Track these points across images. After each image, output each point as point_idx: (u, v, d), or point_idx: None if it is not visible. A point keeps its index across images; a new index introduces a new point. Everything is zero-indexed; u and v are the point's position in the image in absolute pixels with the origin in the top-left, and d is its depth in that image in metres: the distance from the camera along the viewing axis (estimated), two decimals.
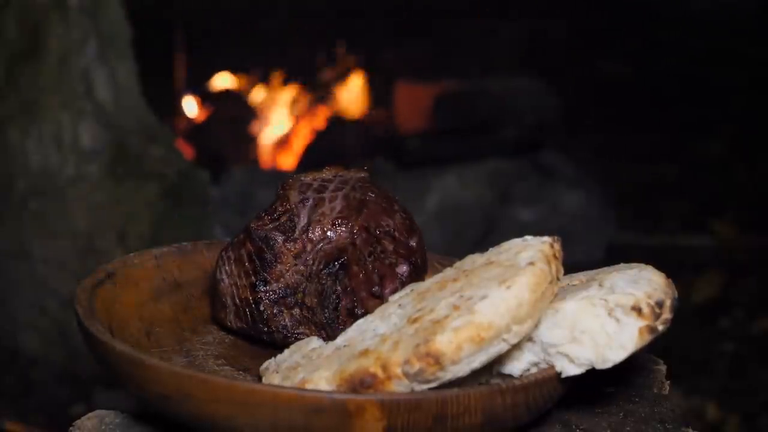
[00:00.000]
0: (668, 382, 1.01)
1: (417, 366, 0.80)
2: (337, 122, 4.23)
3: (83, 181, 2.80)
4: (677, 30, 5.46)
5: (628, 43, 5.43)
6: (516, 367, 0.87)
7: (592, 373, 1.01)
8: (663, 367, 1.03)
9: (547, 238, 0.89)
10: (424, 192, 3.70)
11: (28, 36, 2.83)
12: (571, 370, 0.85)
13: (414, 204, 3.67)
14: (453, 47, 4.88)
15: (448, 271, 0.95)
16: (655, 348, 1.23)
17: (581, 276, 0.93)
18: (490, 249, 0.93)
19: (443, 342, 0.81)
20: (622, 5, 5.43)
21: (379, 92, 4.38)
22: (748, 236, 4.04)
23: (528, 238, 0.91)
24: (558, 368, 0.86)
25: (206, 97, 4.21)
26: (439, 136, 4.08)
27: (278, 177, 3.30)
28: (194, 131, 4.08)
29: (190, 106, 4.17)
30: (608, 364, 0.85)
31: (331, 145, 4.05)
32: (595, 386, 0.99)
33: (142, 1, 3.43)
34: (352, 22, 4.68)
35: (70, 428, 0.92)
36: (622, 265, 0.92)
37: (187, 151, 3.61)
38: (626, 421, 0.92)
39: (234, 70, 4.26)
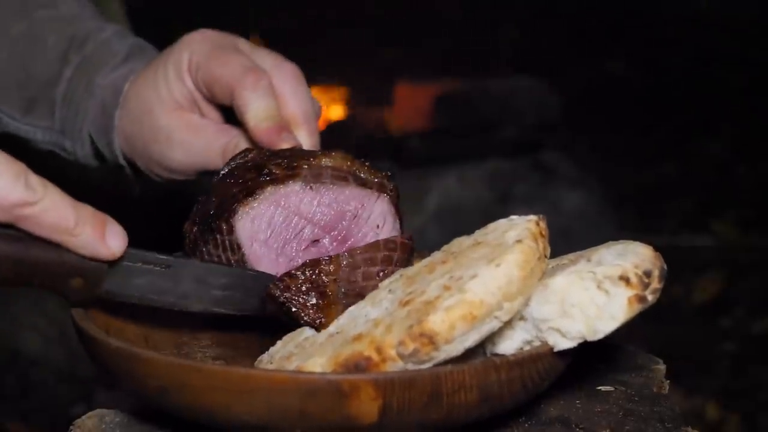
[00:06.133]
0: (668, 381, 1.01)
1: (411, 347, 0.80)
2: (338, 122, 4.23)
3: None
4: (678, 30, 5.46)
5: (629, 44, 5.43)
6: (509, 346, 0.87)
7: (592, 373, 1.01)
8: (663, 367, 1.03)
9: (532, 217, 0.89)
10: (424, 192, 3.70)
11: None
12: (563, 344, 0.85)
13: (414, 204, 3.67)
14: (453, 47, 4.88)
15: (436, 255, 0.95)
16: (655, 348, 1.23)
17: (570, 256, 0.93)
18: (477, 231, 0.94)
19: (436, 321, 0.81)
20: (623, 6, 5.43)
21: (379, 92, 4.38)
22: (749, 236, 4.05)
23: (514, 217, 0.91)
24: (550, 343, 0.86)
25: None
26: (439, 136, 4.08)
27: None
28: None
29: None
30: (600, 335, 0.85)
31: (332, 145, 4.05)
32: (595, 386, 0.99)
33: None
34: (353, 21, 4.68)
35: (71, 427, 0.92)
36: (609, 242, 0.92)
37: None
38: (626, 421, 0.92)
39: None
